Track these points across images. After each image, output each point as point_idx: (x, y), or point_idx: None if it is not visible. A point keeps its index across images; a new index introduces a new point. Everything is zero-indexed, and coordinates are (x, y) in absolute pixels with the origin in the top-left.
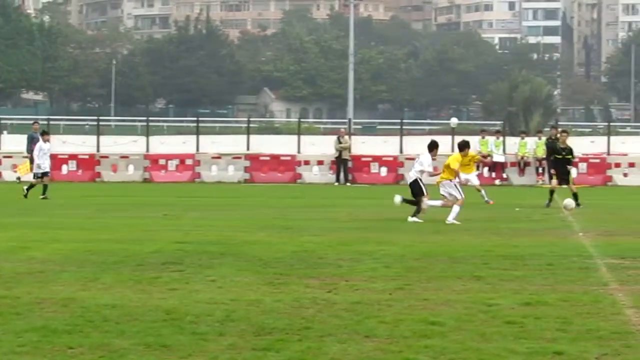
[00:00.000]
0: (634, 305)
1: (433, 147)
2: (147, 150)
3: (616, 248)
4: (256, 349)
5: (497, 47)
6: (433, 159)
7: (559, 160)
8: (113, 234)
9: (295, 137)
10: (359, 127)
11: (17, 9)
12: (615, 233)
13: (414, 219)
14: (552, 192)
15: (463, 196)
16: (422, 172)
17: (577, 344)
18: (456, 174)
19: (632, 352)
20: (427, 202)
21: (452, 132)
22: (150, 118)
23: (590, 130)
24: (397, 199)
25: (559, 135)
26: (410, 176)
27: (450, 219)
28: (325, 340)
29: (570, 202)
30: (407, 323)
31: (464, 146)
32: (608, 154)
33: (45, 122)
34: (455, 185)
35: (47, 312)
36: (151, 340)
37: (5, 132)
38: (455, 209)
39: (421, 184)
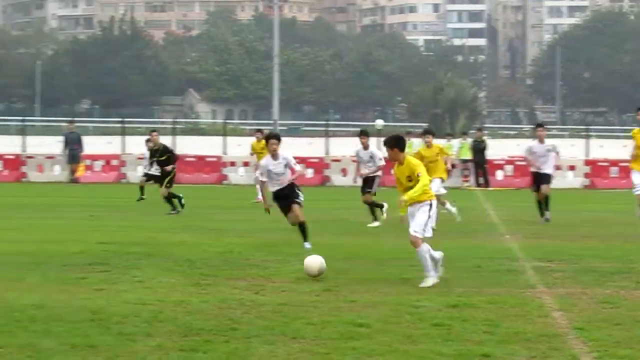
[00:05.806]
0: (560, 308)
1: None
2: None
3: (543, 251)
4: (183, 350)
5: (422, 49)
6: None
7: None
8: (39, 235)
9: (220, 138)
10: (285, 128)
11: None
12: (542, 236)
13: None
14: None
15: None
16: None
17: (504, 346)
18: None
19: (558, 355)
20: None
21: (379, 134)
22: (76, 118)
23: (516, 132)
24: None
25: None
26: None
27: None
28: (252, 342)
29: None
30: (333, 325)
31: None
32: None
33: None
34: None
35: None
36: (77, 340)
37: None
38: None
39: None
